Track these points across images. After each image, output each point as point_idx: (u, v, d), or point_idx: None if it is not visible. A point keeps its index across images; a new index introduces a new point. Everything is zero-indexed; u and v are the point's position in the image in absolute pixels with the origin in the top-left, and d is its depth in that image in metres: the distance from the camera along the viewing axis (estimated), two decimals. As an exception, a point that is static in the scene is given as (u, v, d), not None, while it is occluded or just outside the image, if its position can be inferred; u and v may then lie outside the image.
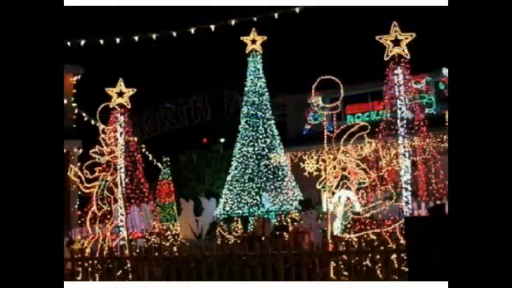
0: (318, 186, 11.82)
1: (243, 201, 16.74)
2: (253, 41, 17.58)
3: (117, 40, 16.89)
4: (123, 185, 12.41)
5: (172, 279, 10.35)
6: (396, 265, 9.75)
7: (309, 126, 12.07)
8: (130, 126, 13.26)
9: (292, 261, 10.00)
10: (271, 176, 16.99)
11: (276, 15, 16.30)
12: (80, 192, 14.82)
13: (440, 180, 11.95)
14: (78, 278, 10.87)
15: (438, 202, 11.55)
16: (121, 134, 12.60)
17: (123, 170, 12.62)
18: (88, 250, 11.53)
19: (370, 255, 9.95)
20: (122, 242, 11.76)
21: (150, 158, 21.26)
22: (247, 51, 17.71)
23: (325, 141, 11.51)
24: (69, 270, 10.99)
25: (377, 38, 11.72)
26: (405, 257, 8.95)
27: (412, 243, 7.20)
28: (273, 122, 17.63)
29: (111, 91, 12.89)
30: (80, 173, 12.35)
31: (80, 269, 10.95)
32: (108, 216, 12.25)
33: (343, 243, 10.34)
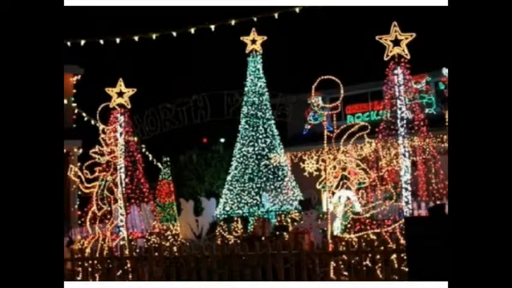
0: (318, 186, 11.82)
1: (243, 201, 16.74)
2: (253, 41, 17.57)
3: (117, 40, 16.88)
4: (123, 185, 12.41)
5: (172, 279, 10.35)
6: (396, 265, 9.75)
7: (309, 126, 12.06)
8: (130, 126, 13.25)
9: (292, 261, 10.00)
10: (271, 176, 16.97)
11: (276, 15, 16.28)
12: (80, 192, 14.84)
13: (440, 180, 11.94)
14: (78, 278, 10.88)
15: (438, 202, 11.54)
16: (121, 134, 12.60)
17: (123, 170, 12.62)
18: (88, 250, 11.53)
19: (370, 255, 9.95)
20: (122, 242, 11.75)
21: (150, 158, 21.27)
22: (247, 51, 17.71)
23: (325, 141, 11.51)
24: (69, 270, 11.00)
25: (377, 38, 11.72)
26: (405, 257, 8.96)
27: (412, 243, 7.21)
28: (273, 122, 17.62)
29: (111, 91, 12.89)
30: (80, 173, 12.35)
31: (80, 269, 10.96)
32: (108, 216, 12.25)
33: (343, 243, 10.34)
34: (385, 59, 11.69)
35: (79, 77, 21.66)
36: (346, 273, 10.01)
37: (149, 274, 10.62)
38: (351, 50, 28.66)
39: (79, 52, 17.38)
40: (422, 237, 7.05)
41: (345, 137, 11.31)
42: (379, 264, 9.93)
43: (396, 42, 11.61)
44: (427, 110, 11.83)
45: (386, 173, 11.58)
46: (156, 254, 10.65)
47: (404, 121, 11.51)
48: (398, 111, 11.56)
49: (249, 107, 17.48)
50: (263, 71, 17.83)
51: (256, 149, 17.16)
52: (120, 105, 12.84)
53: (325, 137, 11.49)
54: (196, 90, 15.88)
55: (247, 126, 17.47)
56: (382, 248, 9.89)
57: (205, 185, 23.69)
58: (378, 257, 9.95)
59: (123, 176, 12.54)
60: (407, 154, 11.43)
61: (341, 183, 11.38)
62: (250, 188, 16.82)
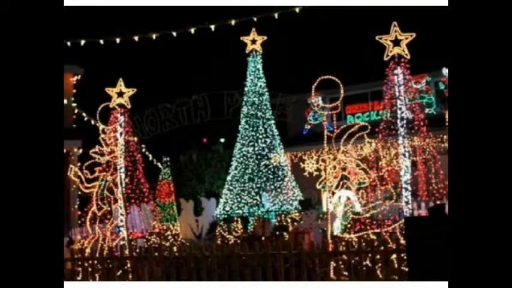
0: (318, 186, 11.83)
1: (243, 201, 16.73)
2: (253, 41, 17.57)
3: (117, 40, 16.87)
4: (123, 185, 12.42)
5: (172, 279, 10.35)
6: (396, 265, 9.75)
7: (309, 126, 12.08)
8: (130, 126, 13.26)
9: (292, 261, 10.00)
10: (271, 176, 16.97)
11: (276, 15, 16.28)
12: (80, 192, 14.84)
13: (440, 180, 11.94)
14: (78, 278, 10.87)
15: (438, 202, 11.54)
16: (121, 134, 12.60)
17: (123, 170, 12.62)
18: (88, 250, 11.53)
19: (370, 255, 9.95)
20: (122, 242, 11.76)
21: (150, 158, 21.28)
22: (247, 51, 17.71)
23: (325, 141, 11.52)
24: (69, 270, 11.00)
25: (377, 38, 11.73)
26: (405, 257, 8.96)
27: (412, 243, 7.20)
28: (273, 122, 17.61)
29: (111, 91, 12.90)
30: (80, 173, 12.36)
31: (80, 269, 10.96)
32: (108, 216, 12.25)
33: (343, 243, 10.34)
34: (385, 59, 11.70)
35: (79, 77, 21.65)
36: (346, 273, 10.01)
37: (149, 274, 10.62)
38: (351, 50, 28.66)
39: (79, 52, 17.38)
40: (422, 237, 7.05)
41: (345, 137, 11.31)
42: (379, 264, 9.93)
43: (396, 42, 11.61)
44: (427, 110, 11.83)
45: (386, 173, 11.58)
46: (156, 254, 10.65)
47: (404, 121, 11.52)
48: (398, 111, 11.56)
49: (249, 107, 17.48)
50: (263, 71, 17.83)
51: (256, 149, 17.16)
52: (120, 105, 12.84)
53: (325, 137, 11.49)
54: (196, 90, 15.90)
55: (247, 126, 17.47)
56: (382, 248, 9.89)
57: (205, 185, 23.68)
58: (378, 257, 9.95)
59: (123, 176, 12.54)
60: (407, 154, 11.43)
61: (341, 183, 11.38)
62: (250, 188, 16.81)
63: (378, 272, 9.92)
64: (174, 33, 16.82)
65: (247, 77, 17.77)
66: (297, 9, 15.91)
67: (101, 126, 12.46)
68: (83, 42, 16.68)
